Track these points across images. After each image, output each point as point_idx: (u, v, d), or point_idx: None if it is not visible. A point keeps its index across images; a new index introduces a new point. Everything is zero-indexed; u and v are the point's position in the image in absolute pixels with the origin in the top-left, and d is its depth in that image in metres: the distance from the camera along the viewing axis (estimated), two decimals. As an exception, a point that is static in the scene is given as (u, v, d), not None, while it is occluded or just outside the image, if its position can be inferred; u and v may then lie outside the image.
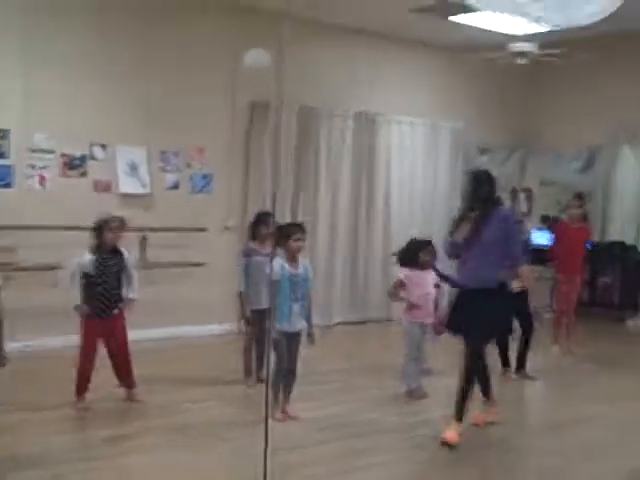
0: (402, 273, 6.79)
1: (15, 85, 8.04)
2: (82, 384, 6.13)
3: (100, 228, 6.19)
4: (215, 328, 9.37)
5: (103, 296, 6.13)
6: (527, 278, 5.96)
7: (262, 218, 7.10)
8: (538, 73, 11.63)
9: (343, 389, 7.11)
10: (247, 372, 7.04)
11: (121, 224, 6.29)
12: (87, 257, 6.12)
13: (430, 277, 6.83)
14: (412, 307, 6.74)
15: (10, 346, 7.63)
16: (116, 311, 6.23)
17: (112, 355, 6.28)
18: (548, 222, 11.48)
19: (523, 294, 7.56)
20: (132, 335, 8.37)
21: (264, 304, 6.62)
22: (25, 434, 5.49)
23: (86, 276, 6.12)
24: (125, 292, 6.29)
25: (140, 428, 5.68)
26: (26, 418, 5.78)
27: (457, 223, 5.71)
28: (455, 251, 5.74)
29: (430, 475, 5.06)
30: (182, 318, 9.06)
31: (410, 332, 6.77)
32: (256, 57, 8.39)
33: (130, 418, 5.92)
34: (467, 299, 5.69)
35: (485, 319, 5.50)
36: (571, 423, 6.33)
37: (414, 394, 6.82)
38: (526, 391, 7.61)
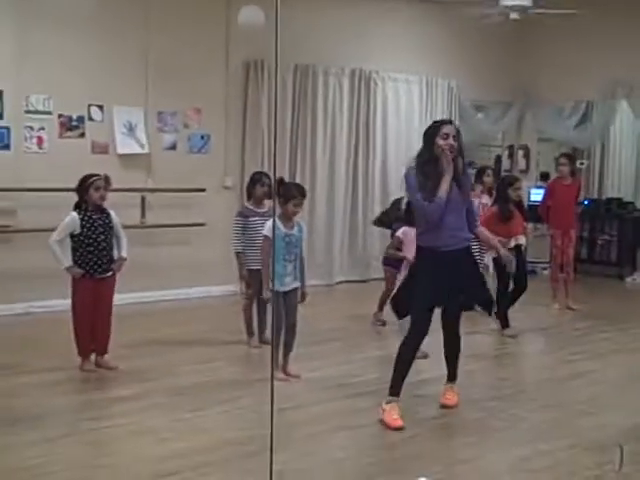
0: (400, 230, 6.77)
1: (7, 45, 7.96)
2: (84, 346, 6.10)
3: (84, 186, 6.01)
4: (216, 289, 9.40)
5: (93, 254, 5.98)
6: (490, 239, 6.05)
7: (257, 178, 7.10)
8: (533, 28, 11.53)
9: (344, 348, 7.15)
10: (249, 332, 7.07)
11: (106, 182, 6.11)
12: (72, 215, 5.97)
13: None
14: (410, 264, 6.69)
15: (12, 308, 7.78)
16: (109, 273, 6.12)
17: (95, 317, 6.12)
18: (548, 179, 11.49)
19: (519, 250, 7.63)
20: (132, 298, 8.49)
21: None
22: (27, 396, 5.52)
23: (73, 236, 5.97)
24: (116, 253, 6.18)
25: (143, 389, 5.71)
26: (27, 381, 5.79)
27: (429, 180, 5.06)
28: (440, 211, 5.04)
29: (430, 433, 5.10)
30: (182, 280, 9.09)
31: None
32: (250, 15, 8.29)
33: (132, 380, 5.94)
34: (450, 263, 5.11)
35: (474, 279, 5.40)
36: (569, 379, 6.40)
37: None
38: (524, 348, 7.66)
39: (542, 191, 12.01)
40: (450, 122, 5.45)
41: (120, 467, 4.39)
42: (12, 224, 8.00)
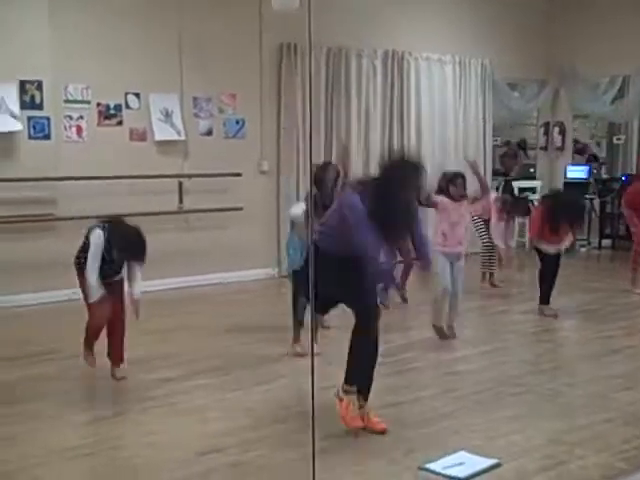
0: (438, 197, 6.77)
1: (44, 36, 8.07)
2: (90, 341, 5.78)
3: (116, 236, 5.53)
4: (254, 272, 9.50)
5: (107, 265, 5.53)
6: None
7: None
8: (566, 3, 11.45)
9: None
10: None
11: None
12: (98, 233, 5.47)
13: (462, 208, 6.79)
14: (441, 235, 6.73)
15: (55, 295, 7.95)
16: (118, 277, 5.67)
17: (109, 326, 5.70)
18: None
19: None
20: (171, 283, 8.65)
21: None
22: (74, 379, 5.68)
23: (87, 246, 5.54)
24: (129, 289, 5.71)
25: (188, 371, 5.83)
26: (73, 364, 5.91)
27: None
28: None
29: (468, 409, 5.16)
30: (221, 264, 9.19)
31: (439, 262, 6.66)
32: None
33: (176, 363, 6.04)
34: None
35: None
36: (607, 354, 6.43)
37: (440, 333, 6.82)
38: (562, 324, 7.66)
39: (579, 167, 12.01)
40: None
41: (165, 445, 4.51)
42: (54, 212, 8.16)
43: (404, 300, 8.04)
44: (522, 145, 13.28)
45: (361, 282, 4.58)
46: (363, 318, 4.66)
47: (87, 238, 5.51)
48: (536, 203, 9.24)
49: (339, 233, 4.62)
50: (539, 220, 7.64)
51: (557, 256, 7.67)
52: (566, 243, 7.66)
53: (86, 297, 5.59)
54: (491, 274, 9.18)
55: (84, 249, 5.52)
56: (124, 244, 5.49)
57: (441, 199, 6.70)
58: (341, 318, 5.44)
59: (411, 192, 4.82)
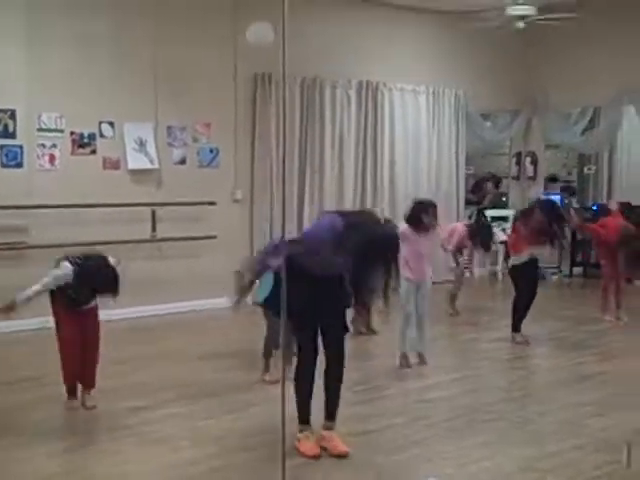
0: (401, 228, 6.58)
1: (19, 65, 8.10)
2: (70, 381, 5.66)
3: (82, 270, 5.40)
4: (227, 301, 9.45)
5: (78, 293, 5.44)
6: None
7: None
8: (539, 36, 11.61)
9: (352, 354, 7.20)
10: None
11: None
12: (68, 270, 5.37)
13: (427, 239, 6.79)
14: (406, 264, 6.60)
15: (27, 323, 7.87)
16: (92, 304, 5.59)
17: (83, 350, 5.57)
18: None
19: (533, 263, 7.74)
20: (143, 311, 8.61)
21: None
22: (44, 409, 5.62)
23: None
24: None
25: (157, 400, 5.78)
26: (47, 394, 5.87)
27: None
28: None
29: (439, 436, 5.17)
30: (194, 292, 9.17)
31: (403, 287, 6.65)
32: (258, 31, 8.39)
33: (145, 391, 6.00)
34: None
35: None
36: (578, 381, 6.47)
37: (403, 361, 6.80)
38: (533, 351, 7.69)
39: (552, 197, 12.13)
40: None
41: (136, 475, 4.48)
42: (25, 241, 8.12)
43: (372, 331, 8.01)
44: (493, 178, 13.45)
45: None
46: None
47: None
48: (508, 231, 9.31)
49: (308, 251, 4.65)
50: (517, 232, 7.81)
51: (534, 283, 7.73)
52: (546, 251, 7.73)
53: (59, 324, 5.55)
54: (452, 299, 9.22)
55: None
56: (95, 282, 5.42)
57: (402, 231, 6.35)
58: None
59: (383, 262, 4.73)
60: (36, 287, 5.40)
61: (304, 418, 4.82)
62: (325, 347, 4.84)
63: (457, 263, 9.15)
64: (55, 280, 5.39)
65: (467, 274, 9.65)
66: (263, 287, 6.42)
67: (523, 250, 7.64)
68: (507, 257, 8.34)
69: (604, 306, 8.89)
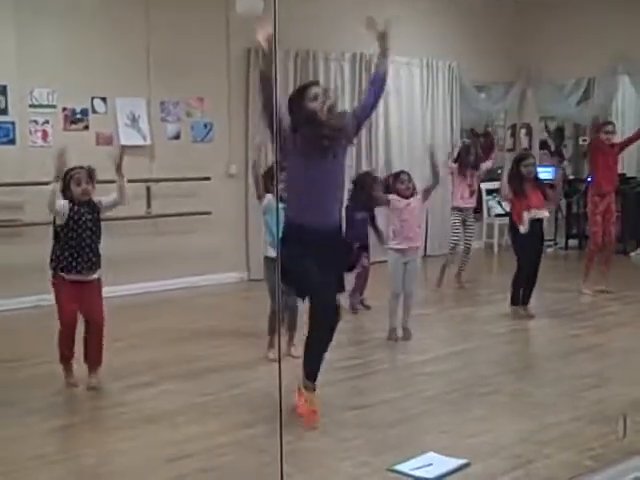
0: (389, 195, 6.90)
1: (9, 40, 8.02)
2: (66, 356, 5.60)
3: (65, 181, 5.45)
4: (223, 276, 9.48)
5: (77, 253, 5.40)
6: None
7: None
8: (533, 6, 11.57)
9: (349, 329, 7.22)
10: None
11: (89, 176, 5.56)
12: (63, 202, 5.41)
13: (412, 205, 6.83)
14: (391, 233, 6.84)
15: (23, 301, 7.88)
16: (94, 275, 5.52)
17: (86, 325, 5.56)
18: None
19: (538, 225, 7.66)
20: (139, 287, 8.62)
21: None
22: (39, 387, 5.62)
23: (57, 229, 5.43)
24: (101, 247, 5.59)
25: (156, 376, 5.79)
26: (38, 372, 5.87)
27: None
28: None
29: (438, 409, 5.18)
30: (189, 268, 9.17)
31: (390, 261, 6.82)
32: (247, 2, 8.33)
33: (144, 368, 6.00)
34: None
35: None
36: (575, 353, 6.49)
37: (390, 335, 6.86)
38: (530, 324, 7.70)
39: (546, 168, 12.11)
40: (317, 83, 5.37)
41: (134, 452, 4.47)
42: (20, 218, 8.09)
43: (366, 307, 8.02)
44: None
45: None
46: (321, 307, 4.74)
47: (54, 223, 5.42)
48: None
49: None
50: (507, 182, 7.81)
51: (537, 255, 7.68)
52: (536, 212, 7.60)
53: (58, 297, 5.48)
54: (460, 272, 9.20)
55: (57, 239, 5.42)
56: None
57: (392, 197, 6.81)
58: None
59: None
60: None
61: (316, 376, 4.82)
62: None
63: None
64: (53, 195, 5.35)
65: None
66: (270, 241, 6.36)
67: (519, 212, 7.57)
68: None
69: (586, 278, 8.85)
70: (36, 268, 5.82)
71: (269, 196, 6.10)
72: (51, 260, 5.48)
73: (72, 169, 5.49)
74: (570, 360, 6.31)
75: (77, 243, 5.40)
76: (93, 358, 5.58)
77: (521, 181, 7.55)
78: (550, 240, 11.55)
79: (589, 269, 8.85)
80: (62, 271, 5.42)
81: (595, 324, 7.50)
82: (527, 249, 7.58)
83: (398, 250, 6.76)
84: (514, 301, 7.75)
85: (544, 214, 7.65)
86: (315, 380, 4.86)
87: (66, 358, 5.58)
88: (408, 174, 7.00)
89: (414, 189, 6.91)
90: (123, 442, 4.61)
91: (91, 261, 5.47)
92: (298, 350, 5.91)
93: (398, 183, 6.89)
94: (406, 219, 6.77)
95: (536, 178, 7.70)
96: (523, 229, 7.47)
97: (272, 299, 6.19)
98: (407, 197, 6.83)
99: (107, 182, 8.26)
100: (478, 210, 10.37)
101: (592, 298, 8.54)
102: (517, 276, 7.73)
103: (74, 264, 5.41)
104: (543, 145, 12.88)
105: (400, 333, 6.87)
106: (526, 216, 7.48)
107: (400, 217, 6.77)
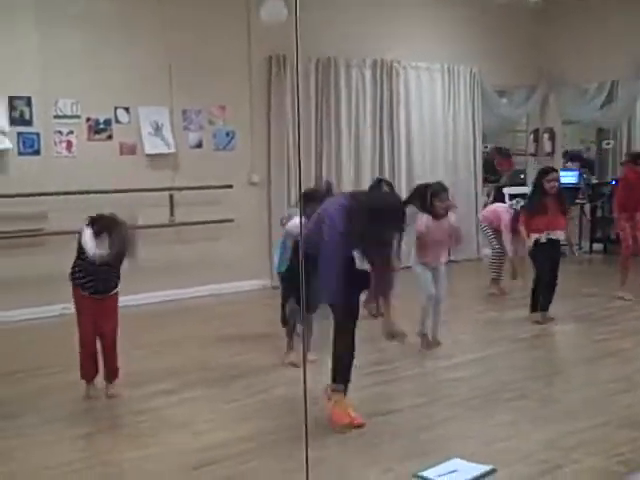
0: (423, 218, 6.52)
1: (33, 52, 8.09)
2: (87, 369, 5.60)
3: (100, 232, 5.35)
4: (246, 284, 9.48)
5: (94, 279, 5.42)
6: None
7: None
8: (554, 10, 11.49)
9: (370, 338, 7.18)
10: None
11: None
12: (88, 240, 5.31)
13: (445, 225, 6.60)
14: (422, 250, 6.58)
15: (47, 310, 7.93)
16: (111, 293, 5.56)
17: (101, 340, 5.58)
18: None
19: (554, 245, 7.57)
20: (163, 295, 8.65)
21: None
22: (64, 394, 5.63)
23: (80, 247, 5.39)
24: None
25: (180, 384, 5.80)
26: (63, 380, 5.88)
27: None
28: None
29: (464, 415, 5.15)
30: (212, 276, 9.19)
31: (418, 270, 6.64)
32: (272, 9, 8.35)
33: (168, 376, 6.00)
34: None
35: None
36: (601, 357, 6.42)
37: (422, 342, 6.72)
38: (554, 329, 7.63)
39: (570, 173, 12.05)
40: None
41: (159, 459, 4.47)
42: (44, 227, 8.14)
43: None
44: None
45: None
46: (341, 316, 4.82)
47: (79, 243, 5.38)
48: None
49: (316, 232, 4.75)
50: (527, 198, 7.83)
51: (554, 262, 7.60)
52: (555, 233, 7.48)
53: (78, 310, 5.53)
54: (497, 280, 9.09)
55: (79, 258, 5.43)
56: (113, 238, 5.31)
57: (426, 221, 6.45)
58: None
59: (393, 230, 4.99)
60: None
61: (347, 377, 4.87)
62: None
63: (499, 244, 8.93)
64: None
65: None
66: (280, 259, 6.40)
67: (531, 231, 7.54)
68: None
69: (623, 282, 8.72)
70: (60, 277, 5.84)
71: (293, 223, 6.07)
72: (72, 272, 5.51)
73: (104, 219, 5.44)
74: (597, 365, 6.25)
75: (94, 270, 5.38)
76: (108, 370, 5.62)
77: (543, 196, 7.47)
78: (575, 244, 11.43)
79: (626, 273, 8.70)
80: (79, 287, 5.48)
81: (622, 328, 7.41)
82: (544, 258, 7.50)
83: (425, 264, 6.63)
84: (534, 308, 7.70)
85: (559, 236, 7.54)
86: (344, 383, 4.86)
87: (88, 377, 5.60)
88: (447, 189, 6.60)
89: (450, 205, 6.63)
90: (147, 449, 4.61)
91: (108, 285, 5.52)
92: (313, 355, 5.87)
93: (436, 200, 6.46)
94: (438, 240, 6.58)
95: (559, 193, 7.59)
96: (529, 242, 7.51)
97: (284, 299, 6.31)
98: (443, 216, 6.55)
99: (129, 191, 8.42)
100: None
101: (624, 302, 8.42)
102: (536, 284, 7.68)
103: (88, 286, 5.45)
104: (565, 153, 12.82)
105: (430, 340, 6.77)
106: (532, 237, 7.46)
107: (432, 239, 6.52)
